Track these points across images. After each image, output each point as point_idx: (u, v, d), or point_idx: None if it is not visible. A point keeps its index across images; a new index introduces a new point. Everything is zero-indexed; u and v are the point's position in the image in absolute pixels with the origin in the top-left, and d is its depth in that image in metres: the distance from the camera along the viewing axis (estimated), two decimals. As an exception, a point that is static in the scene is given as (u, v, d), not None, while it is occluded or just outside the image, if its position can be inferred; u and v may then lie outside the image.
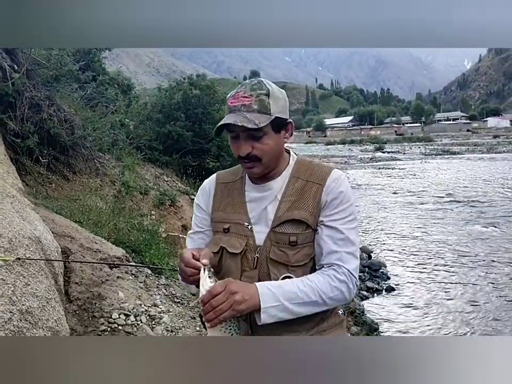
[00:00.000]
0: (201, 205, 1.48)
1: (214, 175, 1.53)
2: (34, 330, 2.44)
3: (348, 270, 1.26)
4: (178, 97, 10.57)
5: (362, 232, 10.59)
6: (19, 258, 2.73)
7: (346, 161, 35.54)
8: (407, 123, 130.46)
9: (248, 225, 1.34)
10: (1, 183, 3.51)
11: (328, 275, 1.25)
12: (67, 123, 5.35)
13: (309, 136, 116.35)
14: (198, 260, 1.21)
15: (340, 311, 1.46)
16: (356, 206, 1.32)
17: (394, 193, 17.52)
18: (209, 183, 1.51)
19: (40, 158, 4.94)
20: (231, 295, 1.10)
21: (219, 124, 1.26)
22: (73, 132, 5.69)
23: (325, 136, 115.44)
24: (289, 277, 1.26)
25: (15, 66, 4.98)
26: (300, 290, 1.20)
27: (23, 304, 2.50)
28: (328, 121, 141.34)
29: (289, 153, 1.43)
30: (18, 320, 2.37)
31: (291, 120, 1.36)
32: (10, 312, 2.40)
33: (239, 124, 1.22)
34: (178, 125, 10.07)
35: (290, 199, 1.33)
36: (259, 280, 1.27)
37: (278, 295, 1.18)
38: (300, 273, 1.28)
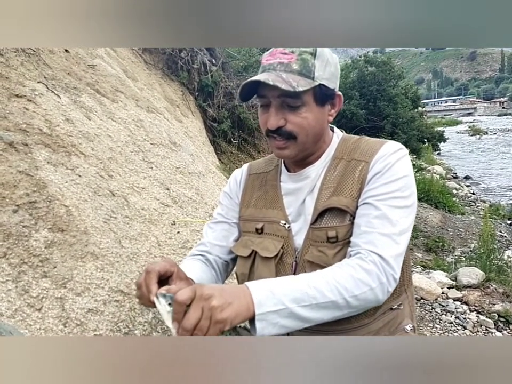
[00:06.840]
0: (230, 193, 1.22)
1: (246, 164, 1.27)
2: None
3: (380, 257, 0.89)
4: (354, 75, 10.63)
5: None
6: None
7: (550, 137, 30.14)
8: None
9: (285, 224, 1.06)
10: (205, 161, 4.28)
11: (349, 265, 0.89)
12: (254, 108, 6.06)
13: (503, 108, 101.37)
14: (161, 281, 0.88)
15: (407, 326, 1.10)
16: (411, 187, 0.98)
17: None
18: (240, 173, 1.24)
19: (232, 140, 5.76)
20: (206, 302, 0.72)
21: (244, 83, 0.95)
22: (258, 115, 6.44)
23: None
24: None
25: (213, 60, 5.84)
26: (310, 287, 0.83)
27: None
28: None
29: (333, 131, 1.15)
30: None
31: (340, 93, 1.07)
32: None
33: (271, 83, 0.90)
34: (352, 103, 10.16)
35: (331, 185, 1.02)
36: None
37: (279, 295, 0.79)
38: None
